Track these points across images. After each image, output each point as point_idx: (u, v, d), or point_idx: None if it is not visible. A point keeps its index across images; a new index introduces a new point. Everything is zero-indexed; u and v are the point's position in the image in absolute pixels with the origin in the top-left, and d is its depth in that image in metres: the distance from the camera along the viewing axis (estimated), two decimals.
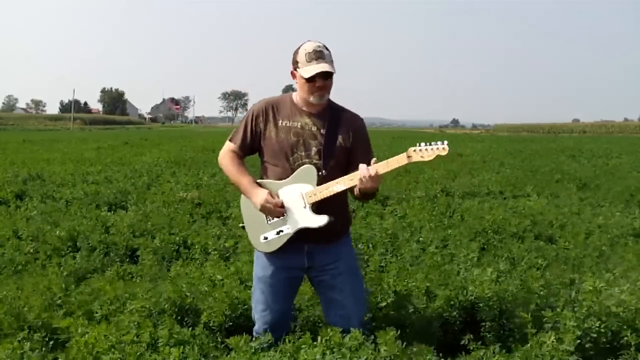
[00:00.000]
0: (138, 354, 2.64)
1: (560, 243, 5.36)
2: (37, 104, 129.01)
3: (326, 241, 2.65)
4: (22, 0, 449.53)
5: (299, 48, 2.57)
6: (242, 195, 2.73)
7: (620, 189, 9.14)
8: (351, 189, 2.58)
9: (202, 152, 18.24)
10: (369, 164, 2.49)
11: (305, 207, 2.55)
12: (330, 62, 2.54)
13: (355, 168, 2.53)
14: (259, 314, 2.76)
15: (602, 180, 10.48)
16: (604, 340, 2.69)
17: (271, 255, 2.66)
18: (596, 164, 14.80)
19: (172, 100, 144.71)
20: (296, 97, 2.69)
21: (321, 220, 2.53)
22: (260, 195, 2.58)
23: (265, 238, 2.62)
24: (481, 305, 3.29)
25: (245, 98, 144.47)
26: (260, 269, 2.73)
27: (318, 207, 2.56)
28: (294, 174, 2.58)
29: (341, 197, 2.66)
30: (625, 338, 2.71)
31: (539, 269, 4.43)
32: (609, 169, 13.24)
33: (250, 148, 2.72)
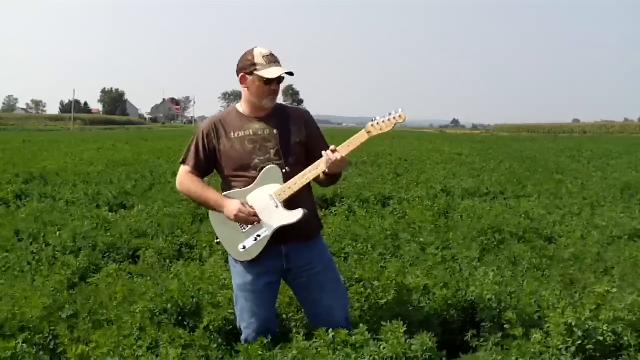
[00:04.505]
0: (138, 355, 2.64)
1: (560, 243, 5.37)
2: (37, 104, 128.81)
3: (302, 239, 2.67)
4: (21, 0, 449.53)
5: (252, 52, 2.61)
6: (210, 211, 2.74)
7: (620, 188, 9.14)
8: (314, 178, 2.65)
9: None
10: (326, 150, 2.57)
11: (277, 207, 2.58)
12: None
13: (316, 158, 2.59)
14: (246, 322, 2.76)
15: (602, 180, 10.49)
16: (608, 342, 2.70)
17: (249, 262, 2.65)
18: (596, 164, 14.81)
19: (172, 100, 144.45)
20: (241, 106, 2.73)
21: (296, 214, 2.56)
22: (232, 206, 2.59)
23: (244, 247, 2.62)
24: (481, 305, 3.30)
25: None
26: (240, 277, 2.73)
27: (290, 204, 2.58)
28: (258, 177, 2.61)
29: (308, 191, 2.71)
30: (626, 338, 2.72)
31: (539, 269, 4.45)
32: (609, 169, 13.24)
33: (206, 167, 2.75)
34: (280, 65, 2.60)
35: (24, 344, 2.86)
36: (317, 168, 2.57)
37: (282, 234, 2.59)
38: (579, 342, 2.62)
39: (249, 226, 2.61)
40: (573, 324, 2.65)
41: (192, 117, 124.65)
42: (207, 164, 2.74)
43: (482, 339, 2.99)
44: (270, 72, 2.56)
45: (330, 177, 2.64)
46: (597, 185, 9.68)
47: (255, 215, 2.58)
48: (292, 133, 2.67)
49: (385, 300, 3.30)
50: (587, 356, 2.68)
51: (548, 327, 2.71)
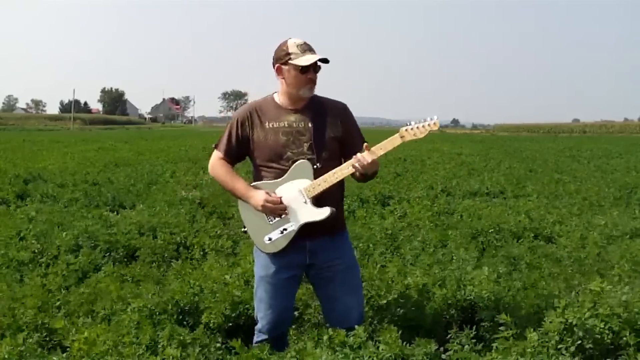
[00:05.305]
0: (137, 354, 2.65)
1: (560, 243, 5.37)
2: (37, 104, 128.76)
3: (327, 236, 2.65)
4: (21, 0, 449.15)
5: (286, 43, 2.60)
6: (240, 200, 2.73)
7: (619, 188, 9.14)
8: (351, 174, 2.61)
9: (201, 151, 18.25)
10: (361, 147, 2.54)
11: (306, 202, 2.56)
12: None
13: (351, 154, 2.56)
14: (263, 313, 2.75)
15: (602, 180, 10.49)
16: (607, 341, 2.70)
17: (273, 254, 2.64)
18: (596, 164, 14.81)
19: (172, 100, 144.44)
20: (278, 97, 2.70)
21: (324, 212, 2.54)
22: (258, 197, 2.58)
23: (270, 239, 2.61)
24: (480, 305, 3.30)
25: (245, 98, 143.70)
26: (262, 268, 2.72)
27: (318, 201, 2.57)
28: (289, 171, 2.58)
29: (338, 189, 2.69)
30: (625, 338, 2.72)
31: (538, 269, 4.45)
32: (609, 169, 13.25)
33: (237, 155, 2.74)
34: (315, 53, 2.57)
35: (30, 340, 2.86)
36: (349, 168, 2.54)
37: (307, 229, 2.57)
38: (579, 342, 2.62)
39: (277, 219, 2.60)
40: (575, 324, 2.65)
41: (192, 117, 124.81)
42: (239, 152, 2.73)
43: (480, 340, 2.99)
44: (305, 60, 2.53)
45: (364, 175, 2.61)
46: (597, 185, 9.68)
47: (282, 207, 2.57)
48: (328, 128, 2.64)
49: (386, 300, 3.30)
50: (586, 356, 2.69)
51: (547, 326, 2.71)
